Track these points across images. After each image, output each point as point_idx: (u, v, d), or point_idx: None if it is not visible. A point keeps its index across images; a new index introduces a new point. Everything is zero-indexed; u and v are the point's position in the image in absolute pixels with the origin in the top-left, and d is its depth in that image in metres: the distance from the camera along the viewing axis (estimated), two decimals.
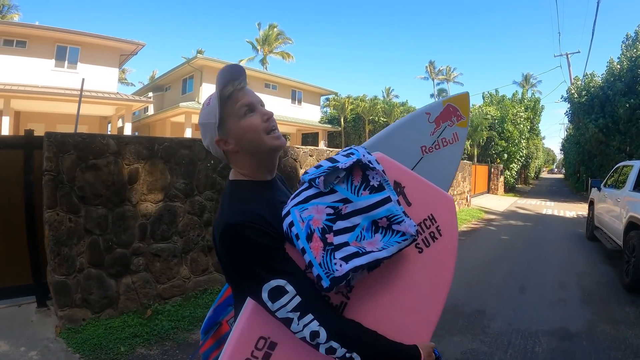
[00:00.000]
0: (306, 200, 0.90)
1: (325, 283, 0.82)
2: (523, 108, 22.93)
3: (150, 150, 3.66)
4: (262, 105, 1.00)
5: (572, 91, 16.97)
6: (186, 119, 17.74)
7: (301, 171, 4.99)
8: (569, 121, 18.76)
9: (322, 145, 24.04)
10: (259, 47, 30.88)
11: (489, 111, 21.24)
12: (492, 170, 19.78)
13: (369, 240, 0.89)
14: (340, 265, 0.83)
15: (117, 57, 15.92)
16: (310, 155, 5.46)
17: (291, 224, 0.87)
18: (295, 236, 0.86)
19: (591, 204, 7.80)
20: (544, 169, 65.27)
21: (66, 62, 14.55)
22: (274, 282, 0.84)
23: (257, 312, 0.89)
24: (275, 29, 30.50)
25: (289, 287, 0.84)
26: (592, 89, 16.14)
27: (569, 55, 22.05)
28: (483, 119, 20.05)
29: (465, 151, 20.64)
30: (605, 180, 7.56)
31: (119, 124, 16.92)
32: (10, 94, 12.26)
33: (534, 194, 21.81)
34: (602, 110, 15.41)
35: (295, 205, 0.90)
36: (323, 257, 0.84)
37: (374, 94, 32.23)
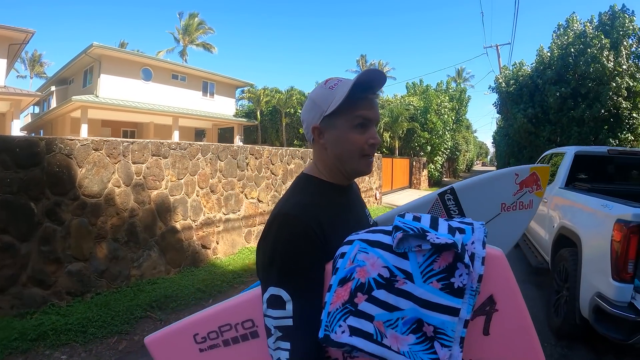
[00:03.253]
0: (374, 244, 0.76)
1: (320, 334, 0.72)
2: (448, 98, 22.50)
3: None
4: (377, 125, 0.95)
5: (500, 80, 16.49)
6: (82, 114, 15.83)
7: (79, 172, 3.86)
8: (497, 112, 18.50)
9: (237, 141, 22.53)
10: (180, 38, 28.95)
11: (412, 101, 20.74)
12: (414, 163, 19.41)
13: (396, 334, 0.70)
14: (342, 332, 0.70)
15: (6, 47, 13.89)
16: (95, 150, 3.97)
17: (342, 255, 0.76)
18: (335, 269, 0.75)
19: None
20: (478, 162, 67.38)
21: None
22: (279, 292, 0.76)
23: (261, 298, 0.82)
24: (196, 19, 28.73)
25: (289, 306, 0.75)
26: (521, 78, 15.65)
27: (498, 47, 22.04)
28: (404, 109, 19.49)
29: (385, 144, 20.16)
30: None
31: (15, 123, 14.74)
32: None
33: None
34: (531, 99, 14.97)
35: (363, 240, 0.77)
36: (336, 310, 0.71)
37: (303, 87, 31.18)
